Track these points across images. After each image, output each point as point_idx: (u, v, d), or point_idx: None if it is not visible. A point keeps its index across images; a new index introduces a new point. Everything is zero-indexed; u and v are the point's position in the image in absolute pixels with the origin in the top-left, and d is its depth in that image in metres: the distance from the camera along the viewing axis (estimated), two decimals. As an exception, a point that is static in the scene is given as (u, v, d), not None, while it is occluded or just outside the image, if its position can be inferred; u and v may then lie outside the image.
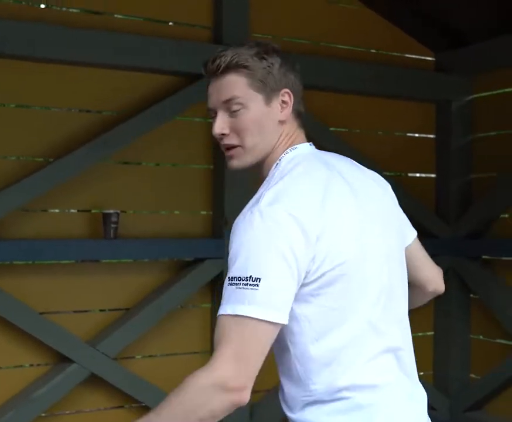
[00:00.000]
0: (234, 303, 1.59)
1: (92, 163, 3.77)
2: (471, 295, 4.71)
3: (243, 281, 1.59)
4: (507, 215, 4.55)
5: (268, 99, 1.79)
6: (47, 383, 3.67)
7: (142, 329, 3.88)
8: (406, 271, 1.89)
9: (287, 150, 1.81)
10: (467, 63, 4.66)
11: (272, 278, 1.60)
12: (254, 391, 4.29)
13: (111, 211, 3.73)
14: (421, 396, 1.86)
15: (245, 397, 1.61)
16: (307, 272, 1.65)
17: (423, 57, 4.78)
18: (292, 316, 1.66)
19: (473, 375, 4.69)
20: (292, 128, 1.84)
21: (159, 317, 3.92)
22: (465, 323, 4.71)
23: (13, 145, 3.72)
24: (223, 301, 1.63)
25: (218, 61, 1.78)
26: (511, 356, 4.37)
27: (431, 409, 4.57)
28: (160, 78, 3.97)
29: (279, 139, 1.82)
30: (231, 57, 1.77)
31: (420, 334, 4.74)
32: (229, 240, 1.71)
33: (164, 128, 3.97)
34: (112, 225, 3.71)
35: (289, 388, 1.78)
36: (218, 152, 4.05)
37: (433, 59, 4.79)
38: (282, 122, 1.81)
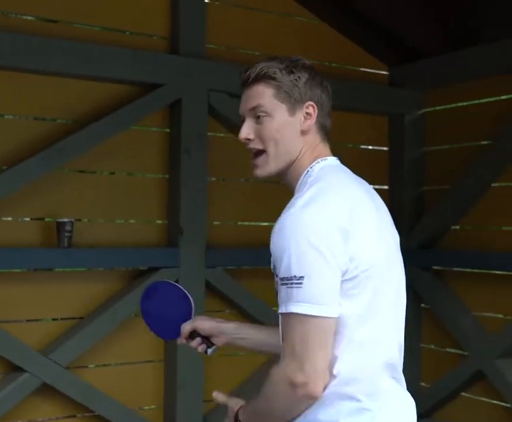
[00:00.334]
0: (286, 302, 1.74)
1: (47, 171, 3.76)
2: (423, 305, 4.79)
3: (289, 280, 1.73)
4: (458, 227, 4.65)
5: (292, 110, 1.91)
6: (-2, 392, 3.64)
7: (95, 338, 3.87)
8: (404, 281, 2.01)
9: (318, 160, 1.93)
10: (419, 78, 4.75)
11: (314, 274, 1.73)
12: (207, 401, 4.32)
13: (65, 220, 3.71)
14: (411, 402, 1.98)
15: (313, 390, 1.73)
16: (344, 271, 1.77)
17: (377, 71, 4.86)
18: None
19: (423, 384, 4.77)
20: (315, 139, 1.94)
21: (113, 327, 3.91)
22: (416, 333, 4.79)
23: (-34, 152, 3.69)
24: (279, 301, 1.77)
25: (249, 72, 1.92)
26: (460, 365, 4.46)
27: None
28: (117, 87, 3.98)
29: (302, 149, 1.92)
30: (261, 68, 1.91)
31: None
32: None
33: (120, 137, 3.97)
34: (66, 234, 3.70)
35: None
36: (173, 161, 4.09)
37: (387, 73, 4.88)
38: (304, 133, 1.92)
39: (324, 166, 1.92)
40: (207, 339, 2.18)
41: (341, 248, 1.75)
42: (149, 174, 4.16)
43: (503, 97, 4.42)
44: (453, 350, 4.61)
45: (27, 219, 3.86)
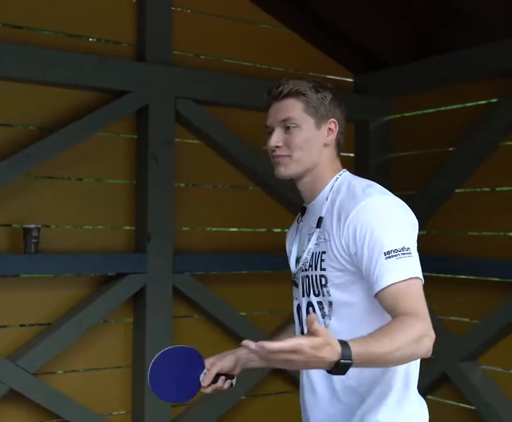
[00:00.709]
0: (403, 270, 1.94)
1: (14, 177, 3.76)
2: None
3: (399, 251, 1.95)
4: (424, 232, 4.70)
5: (318, 124, 2.14)
6: (-36, 399, 3.63)
7: (63, 344, 3.87)
8: None
9: (344, 169, 2.21)
10: (384, 85, 4.82)
11: (413, 246, 2.01)
12: (174, 406, 4.33)
13: (32, 226, 3.71)
14: None
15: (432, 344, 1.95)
16: None
17: (342, 79, 4.92)
18: None
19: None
20: (333, 153, 2.20)
21: (80, 332, 3.92)
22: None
23: None
24: (387, 272, 1.94)
25: (281, 88, 2.15)
26: (425, 368, 4.49)
27: None
28: (84, 94, 3.98)
29: (322, 159, 2.16)
30: (293, 85, 2.14)
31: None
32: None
33: (88, 143, 3.99)
34: (33, 240, 3.70)
35: None
36: (141, 167, 4.11)
37: (352, 80, 4.94)
38: (326, 145, 2.17)
39: (349, 174, 2.20)
40: (225, 375, 2.27)
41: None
42: (117, 180, 4.17)
43: (468, 105, 4.50)
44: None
45: (-6, 225, 3.85)
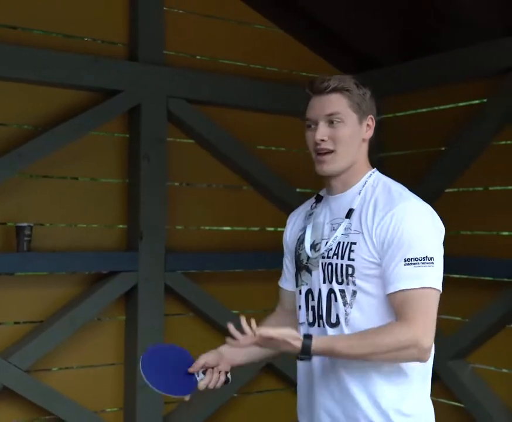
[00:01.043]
0: (421, 278, 2.02)
1: (8, 176, 3.79)
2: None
3: (421, 260, 2.03)
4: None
5: (360, 120, 2.21)
6: (-43, 396, 3.66)
7: (55, 342, 3.91)
8: None
9: (374, 168, 2.29)
10: (376, 85, 4.81)
11: (438, 256, 2.08)
12: (167, 402, 4.35)
13: (24, 224, 3.75)
14: None
15: (427, 357, 2.05)
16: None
17: (334, 78, 4.94)
18: None
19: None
20: (367, 149, 2.29)
21: (73, 330, 3.95)
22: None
23: None
24: (402, 278, 2.03)
25: (326, 83, 2.19)
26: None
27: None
28: (77, 93, 4.02)
29: (360, 154, 2.24)
30: (339, 81, 2.19)
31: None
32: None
33: (81, 142, 4.02)
34: (25, 238, 3.74)
35: None
36: (133, 166, 4.14)
37: (345, 81, 4.97)
38: (364, 141, 2.25)
39: (380, 174, 2.29)
40: (218, 373, 2.31)
41: None
42: (110, 179, 4.20)
43: (460, 104, 4.52)
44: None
45: (-13, 224, 3.88)
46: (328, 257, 2.17)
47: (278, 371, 4.54)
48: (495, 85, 4.20)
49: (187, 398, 2.30)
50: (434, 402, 2.26)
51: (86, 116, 3.96)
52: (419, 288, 2.02)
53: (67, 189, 4.08)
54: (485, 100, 4.30)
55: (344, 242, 2.15)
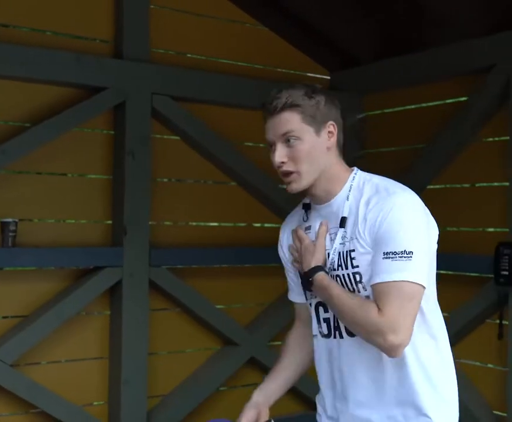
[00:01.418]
0: (396, 272, 2.02)
1: (-9, 172, 3.83)
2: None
3: (398, 254, 2.02)
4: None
5: (318, 131, 2.13)
6: None
7: (40, 336, 3.93)
8: None
9: (354, 168, 2.22)
10: (359, 83, 4.90)
11: (421, 249, 2.05)
12: (151, 396, 4.38)
13: (9, 220, 3.78)
14: None
15: (397, 353, 2.04)
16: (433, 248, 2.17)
17: (319, 76, 4.99)
18: None
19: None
20: (336, 153, 2.20)
21: (58, 324, 3.98)
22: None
23: None
24: (380, 271, 2.04)
25: (275, 103, 2.12)
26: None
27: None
28: (62, 90, 4.04)
29: (329, 162, 2.17)
30: (286, 98, 2.11)
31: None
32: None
33: (66, 139, 4.04)
34: (10, 234, 3.77)
35: None
36: (118, 163, 4.17)
37: (329, 78, 5.03)
38: (329, 149, 2.16)
39: (363, 172, 2.22)
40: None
41: (434, 233, 2.18)
42: (95, 175, 4.24)
43: (442, 102, 4.58)
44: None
45: (-28, 220, 3.91)
46: (334, 270, 2.15)
47: (263, 366, 4.58)
48: (477, 83, 4.25)
49: None
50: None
51: (71, 113, 3.98)
52: (393, 281, 2.00)
53: (52, 185, 4.10)
54: (466, 98, 4.35)
55: (343, 252, 2.13)
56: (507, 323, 4.05)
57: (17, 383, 3.87)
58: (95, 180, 4.23)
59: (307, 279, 2.18)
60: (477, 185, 4.46)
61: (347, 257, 2.12)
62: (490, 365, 4.30)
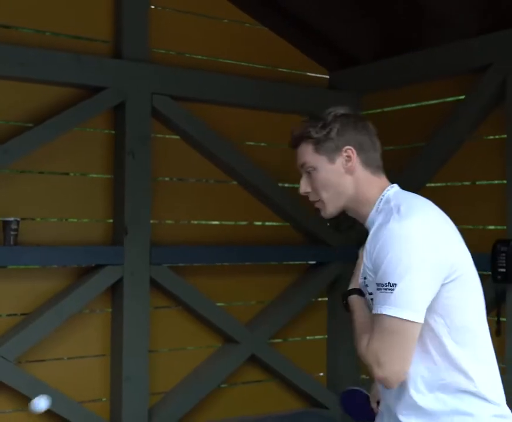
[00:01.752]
0: (382, 305, 1.98)
1: (-7, 172, 3.86)
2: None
3: (383, 287, 1.99)
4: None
5: (331, 159, 2.16)
6: None
7: (42, 334, 3.97)
8: None
9: (387, 188, 2.16)
10: (358, 82, 4.93)
11: (407, 282, 1.96)
12: (152, 394, 4.40)
13: (11, 218, 3.82)
14: None
15: (386, 385, 2.03)
16: (446, 276, 2.01)
17: (319, 75, 5.03)
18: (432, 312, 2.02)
19: (363, 376, 4.93)
20: (366, 174, 2.17)
21: (60, 322, 4.02)
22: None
23: None
24: (377, 302, 2.01)
25: (292, 137, 2.23)
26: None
27: (324, 408, 4.80)
28: (62, 90, 4.08)
29: (355, 185, 2.16)
30: (300, 132, 2.20)
31: (317, 337, 5.02)
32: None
33: (68, 138, 4.08)
34: (12, 232, 3.81)
35: None
36: (118, 162, 4.21)
37: (328, 77, 5.06)
38: (350, 173, 2.16)
39: (395, 191, 2.16)
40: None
41: (443, 255, 2.01)
42: (96, 174, 4.27)
43: (439, 101, 4.61)
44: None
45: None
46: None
47: (263, 363, 4.62)
48: (474, 82, 4.28)
49: None
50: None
51: (71, 112, 4.02)
52: (376, 314, 2.00)
53: (54, 184, 4.15)
54: (463, 97, 4.39)
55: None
56: (504, 320, 4.09)
57: (20, 380, 3.91)
58: (96, 180, 4.27)
59: (342, 301, 2.25)
60: (475, 183, 4.49)
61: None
62: (488, 361, 4.32)
